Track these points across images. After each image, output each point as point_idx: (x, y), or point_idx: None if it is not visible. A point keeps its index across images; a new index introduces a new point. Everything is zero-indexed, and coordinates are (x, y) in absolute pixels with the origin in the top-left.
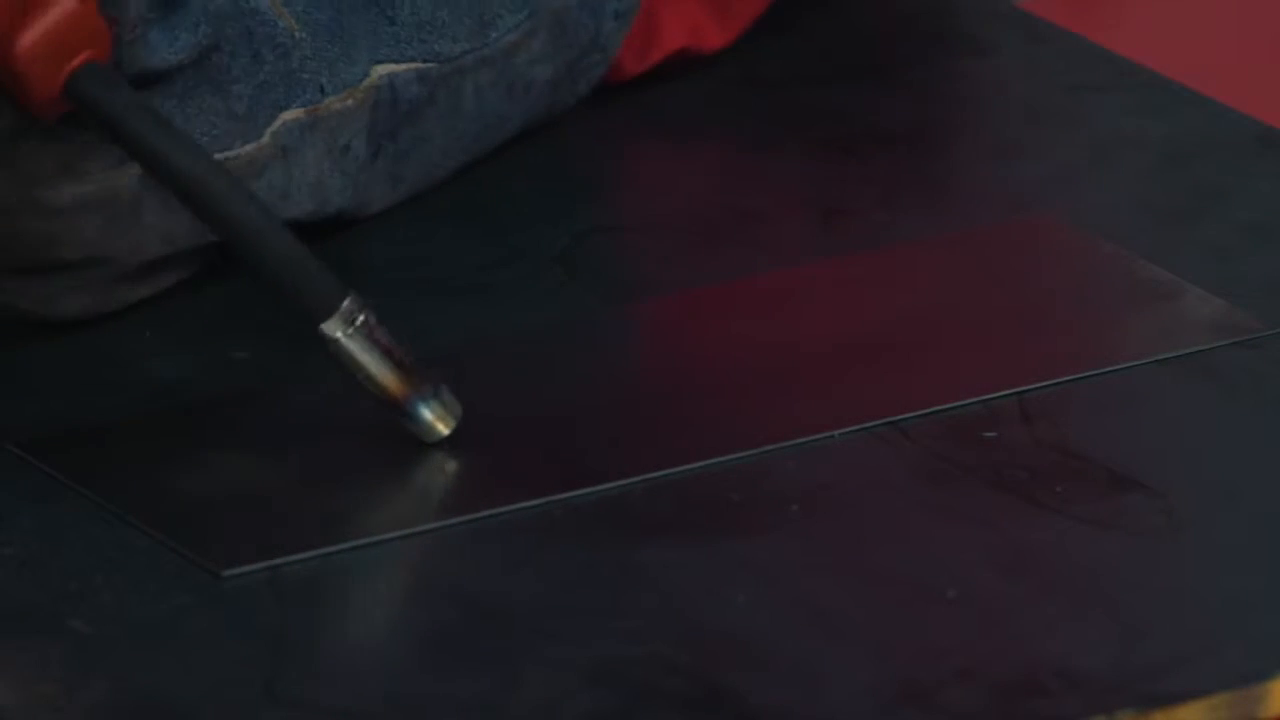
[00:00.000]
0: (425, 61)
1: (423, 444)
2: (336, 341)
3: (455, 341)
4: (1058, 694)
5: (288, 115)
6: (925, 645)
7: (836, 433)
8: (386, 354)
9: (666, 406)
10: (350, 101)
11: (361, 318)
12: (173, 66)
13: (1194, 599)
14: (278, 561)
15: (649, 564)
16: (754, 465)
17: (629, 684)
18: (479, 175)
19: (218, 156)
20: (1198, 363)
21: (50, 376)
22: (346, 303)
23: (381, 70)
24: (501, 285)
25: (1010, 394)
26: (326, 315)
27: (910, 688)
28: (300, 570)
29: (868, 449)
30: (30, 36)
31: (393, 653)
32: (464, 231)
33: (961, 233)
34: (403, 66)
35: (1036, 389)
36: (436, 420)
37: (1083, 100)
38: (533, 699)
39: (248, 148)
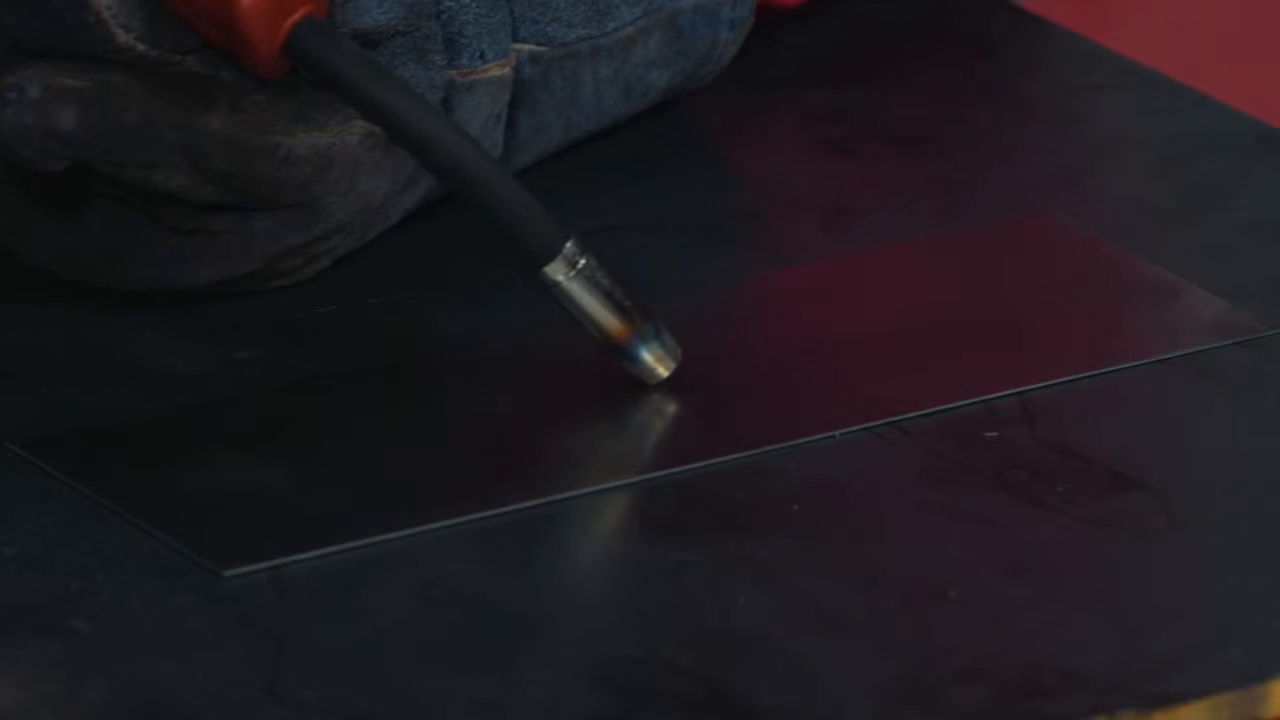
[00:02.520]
0: (539, 44)
1: (420, 445)
2: (559, 285)
3: (453, 341)
4: (1059, 694)
5: (446, 76)
6: (927, 645)
7: (838, 433)
8: (608, 296)
9: (666, 407)
10: (507, 69)
11: (584, 260)
12: (380, 29)
13: (1196, 599)
14: (279, 561)
15: (649, 564)
16: (755, 465)
17: (630, 684)
18: None
19: None
20: (1199, 363)
21: (50, 376)
22: (569, 245)
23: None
24: (500, 285)
25: (1011, 394)
26: (550, 258)
27: (912, 687)
28: (302, 570)
29: (869, 449)
30: None
31: (394, 653)
32: (463, 232)
33: (962, 233)
34: (516, 47)
35: (1037, 389)
36: (657, 362)
37: (1084, 100)
38: (533, 699)
39: None
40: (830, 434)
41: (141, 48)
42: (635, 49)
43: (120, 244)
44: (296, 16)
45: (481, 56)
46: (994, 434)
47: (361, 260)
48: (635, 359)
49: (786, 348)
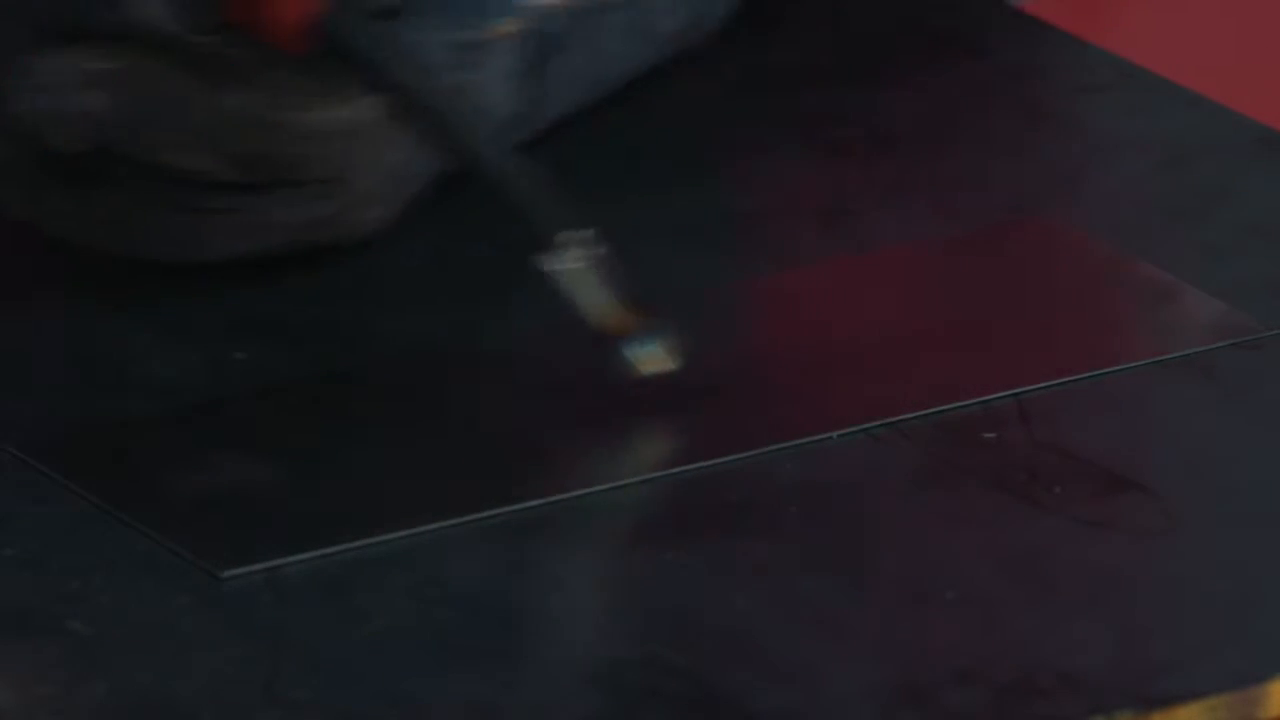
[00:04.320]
0: None
1: (418, 447)
2: (563, 272)
3: (452, 343)
4: (1057, 695)
5: (466, 35)
6: (924, 646)
7: (835, 434)
8: (610, 288)
9: (665, 407)
10: (525, 25)
11: (589, 250)
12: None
13: (1193, 600)
14: (276, 562)
15: (648, 565)
16: (752, 466)
17: (628, 685)
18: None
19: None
20: (1197, 364)
21: (50, 376)
22: (575, 234)
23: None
24: (499, 287)
25: (1009, 395)
26: (555, 245)
27: (909, 689)
28: (299, 571)
29: (866, 450)
30: None
31: (392, 653)
32: (462, 232)
33: (961, 234)
34: (541, 2)
35: (1035, 390)
36: (653, 357)
37: (1082, 102)
38: (532, 700)
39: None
40: (828, 435)
41: (168, 28)
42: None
43: (138, 219)
44: None
45: (501, 13)
46: (991, 435)
47: (360, 260)
48: (632, 353)
49: (784, 349)
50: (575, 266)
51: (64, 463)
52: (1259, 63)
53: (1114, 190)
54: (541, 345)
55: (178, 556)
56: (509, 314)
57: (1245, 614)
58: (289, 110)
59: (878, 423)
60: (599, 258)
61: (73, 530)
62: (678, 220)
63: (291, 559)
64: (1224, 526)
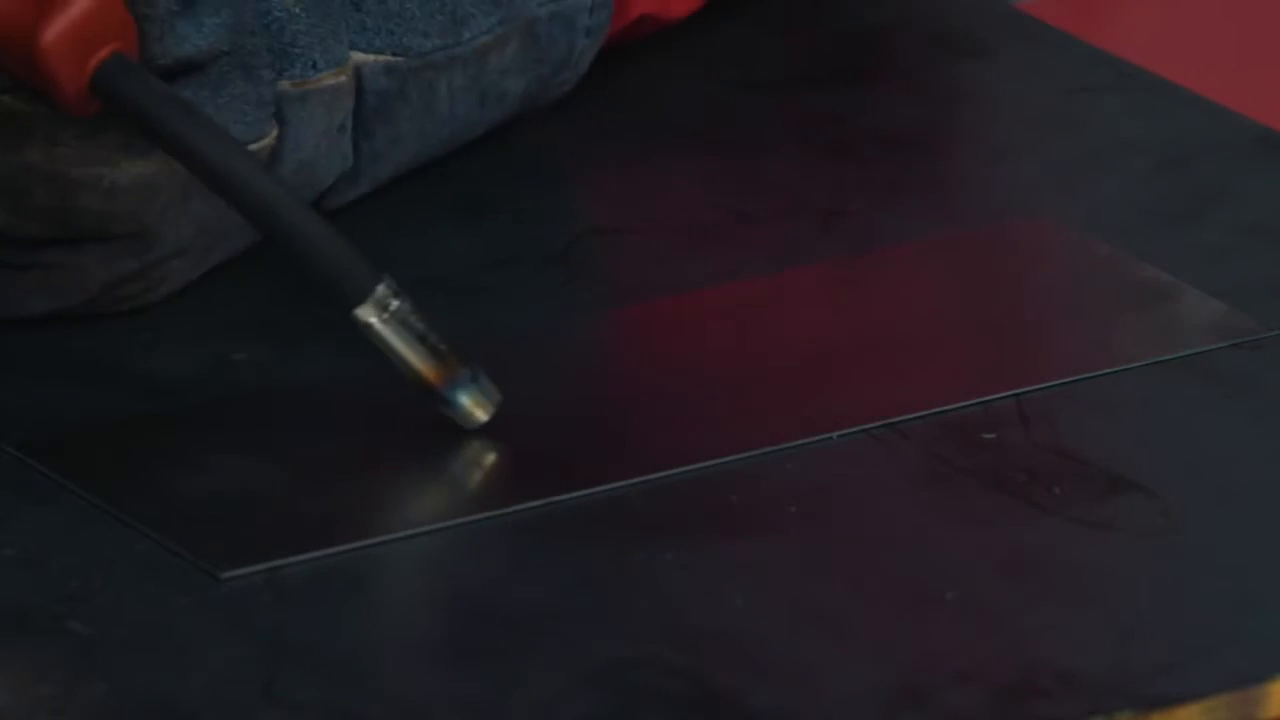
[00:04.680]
0: (394, 54)
1: (418, 447)
2: (370, 327)
3: (454, 336)
4: (1056, 695)
5: (279, 87)
6: (924, 647)
7: (835, 434)
8: (421, 339)
9: (665, 408)
10: (343, 78)
11: (396, 303)
12: (203, 54)
13: (1192, 601)
14: (276, 563)
15: (647, 565)
16: (752, 467)
17: (627, 686)
18: (476, 175)
19: (252, 146)
20: (1196, 364)
21: (50, 376)
22: (380, 288)
23: (355, 58)
24: (498, 286)
25: (1008, 396)
26: (360, 300)
27: (909, 690)
28: (299, 572)
29: (866, 451)
30: (54, 30)
31: (392, 654)
32: (460, 232)
33: (960, 234)
34: (371, 57)
35: (1034, 391)
36: (475, 406)
37: (1081, 102)
38: (531, 700)
39: (271, 135)
40: (827, 436)
41: None
42: (491, 57)
43: None
44: (103, 54)
45: (314, 66)
46: (991, 436)
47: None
48: (452, 403)
49: (783, 350)
50: (382, 324)
51: (64, 463)
52: (1259, 63)
53: (1114, 190)
54: (541, 344)
55: (178, 557)
56: (509, 313)
57: (1245, 614)
58: (95, 165)
59: (878, 423)
60: (405, 311)
61: (73, 530)
62: (674, 220)
63: (291, 560)
64: (1224, 526)
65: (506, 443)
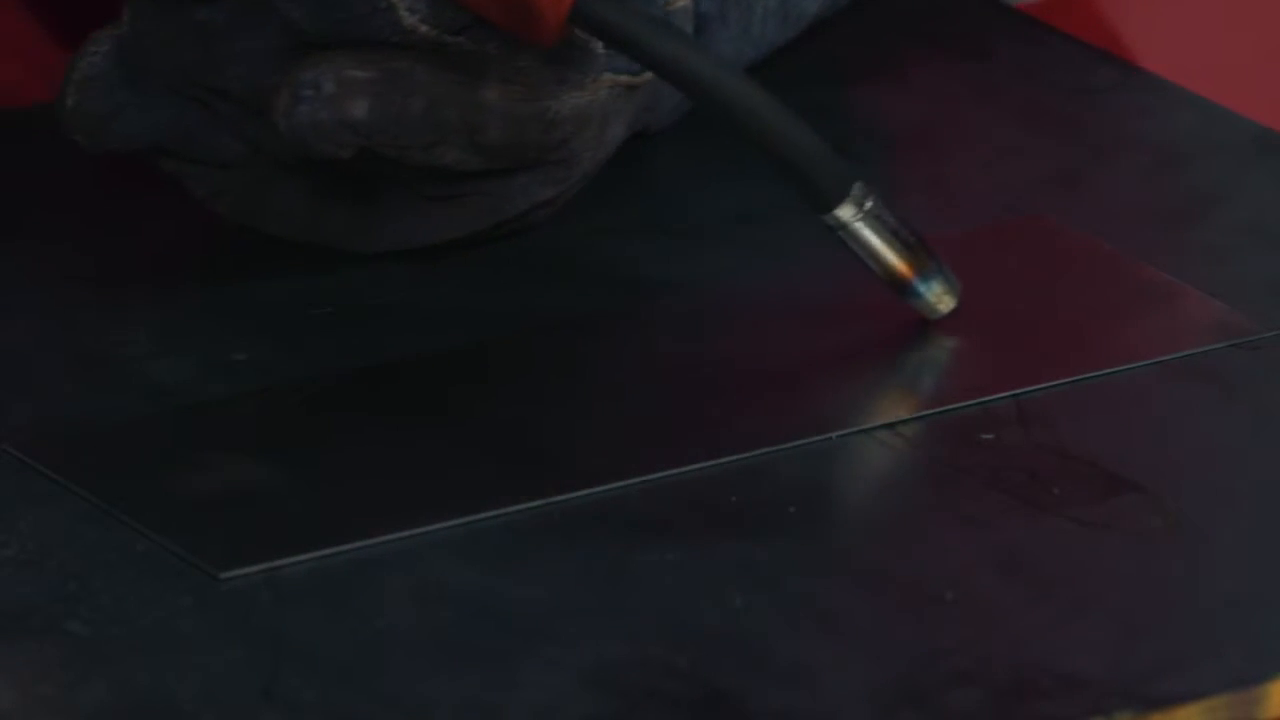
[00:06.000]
0: None
1: (417, 447)
2: (849, 225)
3: (450, 342)
4: (1056, 696)
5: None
6: (924, 647)
7: (834, 434)
8: (894, 235)
9: (665, 408)
10: (687, 1)
11: (870, 201)
12: None
13: (1192, 601)
14: (276, 563)
15: (647, 565)
16: (752, 467)
17: (627, 686)
18: None
19: None
20: (1196, 365)
21: (50, 376)
22: (857, 187)
23: None
24: (499, 286)
25: (1007, 396)
26: (840, 200)
27: (909, 690)
28: (298, 572)
29: (865, 451)
30: None
31: (391, 654)
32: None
33: (959, 234)
34: None
35: (1034, 391)
36: (940, 296)
37: (1081, 102)
38: (531, 700)
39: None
40: (827, 436)
41: (424, 29)
42: None
43: (368, 213)
44: None
45: None
46: (990, 436)
47: (358, 261)
48: (919, 295)
49: (782, 349)
50: (858, 220)
51: (63, 463)
52: (1259, 63)
53: (1114, 190)
54: (538, 347)
55: (177, 557)
56: (509, 313)
57: (1244, 614)
58: (544, 100)
59: (877, 423)
60: (879, 208)
61: (73, 530)
62: (674, 220)
63: (291, 560)
64: (1224, 526)
65: (505, 443)
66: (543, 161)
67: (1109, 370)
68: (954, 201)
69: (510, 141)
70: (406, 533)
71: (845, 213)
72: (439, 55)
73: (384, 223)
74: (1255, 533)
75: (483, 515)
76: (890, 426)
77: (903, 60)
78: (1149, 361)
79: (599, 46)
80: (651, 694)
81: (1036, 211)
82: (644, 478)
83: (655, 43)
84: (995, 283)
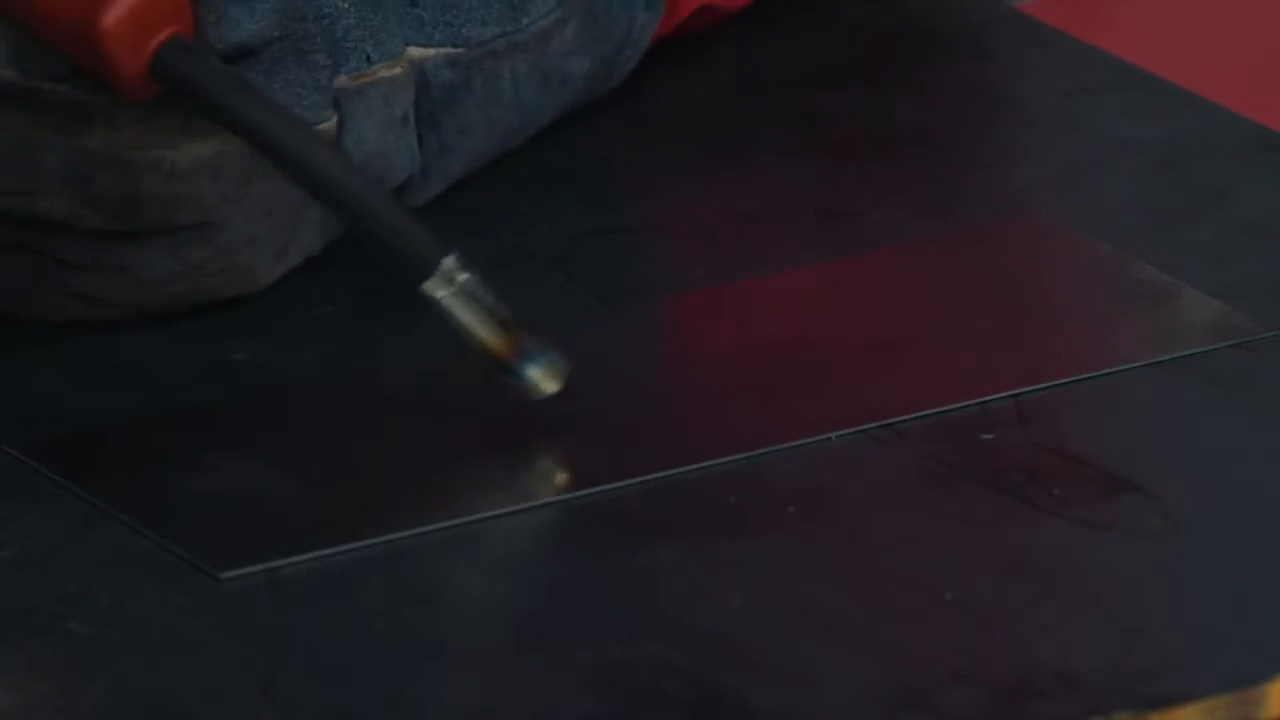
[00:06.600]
0: (455, 46)
1: (417, 447)
2: (439, 301)
3: (449, 343)
4: (1055, 696)
5: (336, 82)
6: (923, 648)
7: (834, 435)
8: (489, 312)
9: (664, 408)
10: (398, 70)
11: (464, 276)
12: (257, 39)
13: (1191, 601)
14: (276, 563)
15: (646, 566)
16: (751, 467)
17: (626, 686)
18: (475, 175)
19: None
20: (1195, 365)
21: (50, 376)
22: (448, 261)
23: (412, 53)
24: (499, 287)
25: (1007, 396)
26: (428, 274)
27: (908, 690)
28: (298, 572)
29: (864, 451)
30: (114, 14)
31: (391, 654)
32: (461, 233)
33: (958, 234)
34: (432, 51)
35: (1033, 391)
36: (544, 378)
37: (1080, 102)
38: (530, 701)
39: (331, 120)
40: (826, 436)
41: (10, 74)
42: (553, 40)
43: (27, 285)
44: (161, 37)
45: (368, 59)
46: (989, 436)
47: (359, 261)
48: (520, 376)
49: (782, 349)
50: (449, 296)
51: (64, 463)
52: (1259, 63)
53: (1114, 190)
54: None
55: (176, 557)
56: (521, 306)
57: (1243, 614)
58: (155, 148)
59: (876, 423)
60: (473, 284)
61: (72, 530)
62: (675, 220)
63: (290, 560)
64: (1223, 526)
65: (505, 444)
66: (175, 223)
67: (1109, 370)
68: (951, 203)
69: (122, 192)
70: (406, 533)
71: (433, 288)
72: (36, 101)
73: (43, 295)
74: (1254, 533)
75: (482, 515)
76: (890, 426)
77: (899, 61)
78: (1148, 361)
79: None
80: (651, 694)
81: (1037, 211)
82: (644, 477)
83: (235, 104)
84: (993, 283)
